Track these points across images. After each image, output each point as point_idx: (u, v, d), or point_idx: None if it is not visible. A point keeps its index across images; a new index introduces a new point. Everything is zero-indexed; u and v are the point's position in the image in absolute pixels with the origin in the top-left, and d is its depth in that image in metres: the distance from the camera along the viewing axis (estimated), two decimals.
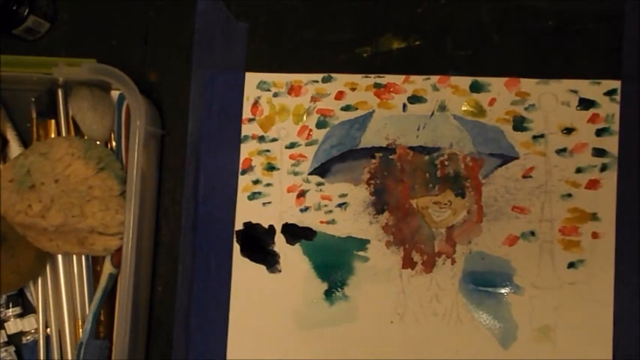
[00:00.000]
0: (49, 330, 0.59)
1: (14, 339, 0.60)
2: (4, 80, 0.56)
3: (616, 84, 0.56)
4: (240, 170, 0.59)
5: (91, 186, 0.56)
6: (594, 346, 0.55)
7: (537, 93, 0.57)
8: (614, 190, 0.56)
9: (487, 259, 0.56)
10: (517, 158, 0.57)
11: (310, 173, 0.59)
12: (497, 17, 0.58)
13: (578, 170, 0.56)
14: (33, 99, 0.59)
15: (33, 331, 0.60)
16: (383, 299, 0.57)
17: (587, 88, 0.56)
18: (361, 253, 0.58)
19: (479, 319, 0.56)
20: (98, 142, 0.58)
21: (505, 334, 0.56)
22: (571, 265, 0.56)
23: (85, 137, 0.58)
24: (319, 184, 0.58)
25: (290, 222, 0.58)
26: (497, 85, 0.57)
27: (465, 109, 0.57)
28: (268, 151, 0.59)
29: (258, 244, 0.59)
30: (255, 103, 0.59)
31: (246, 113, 0.59)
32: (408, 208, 0.57)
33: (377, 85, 0.58)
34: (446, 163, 0.57)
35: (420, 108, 0.58)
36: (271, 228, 0.59)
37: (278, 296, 0.58)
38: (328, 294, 0.58)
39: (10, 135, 0.60)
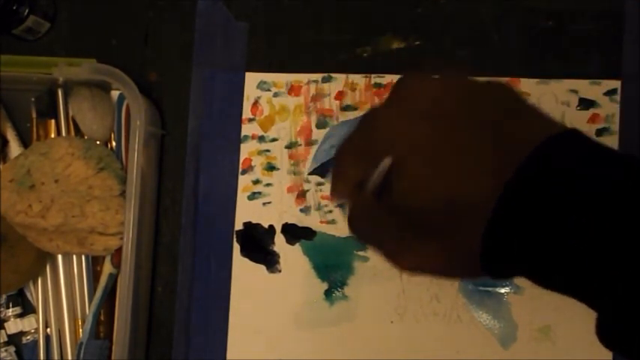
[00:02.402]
0: (49, 330, 0.59)
1: (14, 339, 0.60)
2: (4, 80, 0.56)
3: (616, 84, 0.56)
4: (240, 170, 0.59)
5: (91, 186, 0.56)
6: (594, 347, 0.55)
7: (537, 93, 0.57)
8: None
9: None
10: None
11: (310, 173, 0.59)
12: (497, 17, 0.58)
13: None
14: (33, 99, 0.59)
15: (33, 331, 0.59)
16: (383, 299, 0.57)
17: (587, 88, 0.56)
18: (361, 253, 0.58)
19: (479, 319, 0.56)
20: (98, 142, 0.58)
21: (505, 334, 0.56)
22: None
23: (85, 137, 0.58)
24: (319, 184, 0.58)
25: (290, 222, 0.58)
26: None
27: None
28: (268, 151, 0.59)
29: (258, 244, 0.59)
30: (255, 103, 0.59)
31: (246, 113, 0.59)
32: None
33: (377, 85, 0.58)
34: None
35: None
36: (271, 228, 0.59)
37: (278, 296, 0.58)
38: (328, 294, 0.58)
39: (10, 135, 0.60)
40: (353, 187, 0.32)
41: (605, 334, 0.28)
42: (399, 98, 0.31)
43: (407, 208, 0.29)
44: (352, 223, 0.33)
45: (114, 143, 0.59)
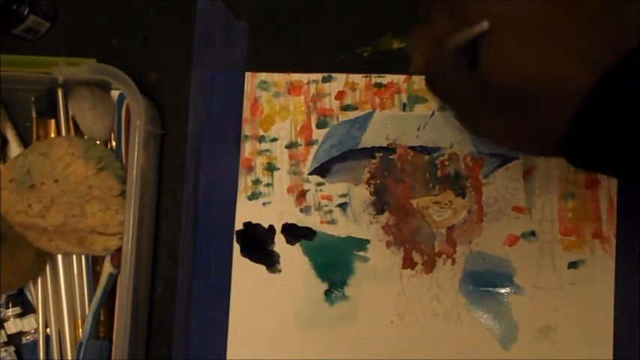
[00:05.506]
0: (48, 330, 0.59)
1: (14, 339, 0.60)
2: (4, 80, 0.56)
3: None
4: (240, 170, 0.59)
5: (90, 186, 0.56)
6: (595, 347, 0.55)
7: None
8: (615, 190, 0.56)
9: (487, 260, 0.56)
10: (517, 158, 0.57)
11: (310, 173, 0.59)
12: None
13: (579, 170, 0.56)
14: (33, 99, 0.59)
15: (33, 331, 0.59)
16: (383, 299, 0.57)
17: None
18: (361, 254, 0.58)
19: (479, 320, 0.56)
20: (98, 142, 0.58)
21: (505, 334, 0.56)
22: (572, 265, 0.55)
23: (85, 137, 0.58)
24: (319, 184, 0.58)
25: (290, 222, 0.58)
26: None
27: None
28: (268, 151, 0.59)
29: (258, 244, 0.59)
30: (255, 103, 0.59)
31: (246, 113, 0.59)
32: (409, 208, 0.57)
33: (377, 85, 0.58)
34: (446, 163, 0.57)
35: (420, 108, 0.58)
36: (271, 228, 0.58)
37: (278, 296, 0.58)
38: (328, 294, 0.58)
39: (10, 135, 0.60)
40: (433, 38, 0.30)
41: None
42: None
43: (490, 79, 0.28)
44: (429, 79, 0.31)
45: (114, 143, 0.59)
